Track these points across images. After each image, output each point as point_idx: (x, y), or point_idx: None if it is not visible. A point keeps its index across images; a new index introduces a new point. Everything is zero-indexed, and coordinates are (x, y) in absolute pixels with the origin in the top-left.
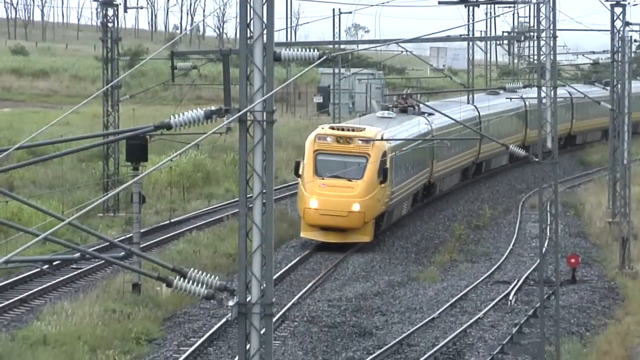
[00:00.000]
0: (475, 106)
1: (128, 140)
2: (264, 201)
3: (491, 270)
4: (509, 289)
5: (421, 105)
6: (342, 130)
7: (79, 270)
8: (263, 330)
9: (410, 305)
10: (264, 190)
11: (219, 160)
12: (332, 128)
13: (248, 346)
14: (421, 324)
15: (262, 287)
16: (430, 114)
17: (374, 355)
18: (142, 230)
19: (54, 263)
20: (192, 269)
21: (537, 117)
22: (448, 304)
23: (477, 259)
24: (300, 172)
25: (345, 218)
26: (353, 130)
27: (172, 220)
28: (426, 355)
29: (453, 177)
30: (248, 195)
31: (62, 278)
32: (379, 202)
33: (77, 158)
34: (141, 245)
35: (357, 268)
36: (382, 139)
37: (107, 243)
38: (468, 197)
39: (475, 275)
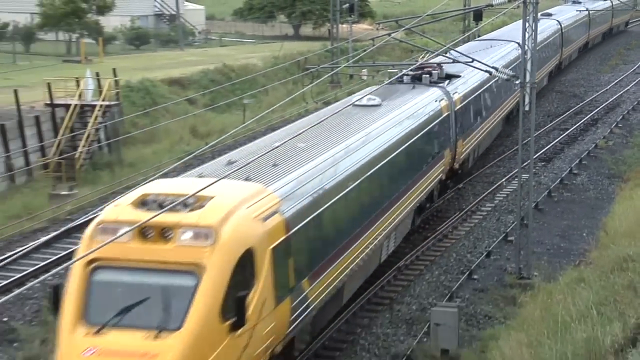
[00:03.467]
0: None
1: (474, 11)
2: (533, 36)
3: (634, 68)
4: None
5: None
6: (158, 203)
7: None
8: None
9: (597, 83)
10: (532, 37)
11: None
12: (140, 204)
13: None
14: (601, 91)
15: (530, 74)
16: (454, 77)
17: (580, 104)
18: None
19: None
20: (499, 67)
21: None
22: (614, 82)
23: (628, 63)
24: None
25: None
26: (185, 206)
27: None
28: (603, 105)
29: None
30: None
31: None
32: None
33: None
34: None
35: (574, 67)
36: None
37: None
38: (624, 37)
39: (627, 70)
